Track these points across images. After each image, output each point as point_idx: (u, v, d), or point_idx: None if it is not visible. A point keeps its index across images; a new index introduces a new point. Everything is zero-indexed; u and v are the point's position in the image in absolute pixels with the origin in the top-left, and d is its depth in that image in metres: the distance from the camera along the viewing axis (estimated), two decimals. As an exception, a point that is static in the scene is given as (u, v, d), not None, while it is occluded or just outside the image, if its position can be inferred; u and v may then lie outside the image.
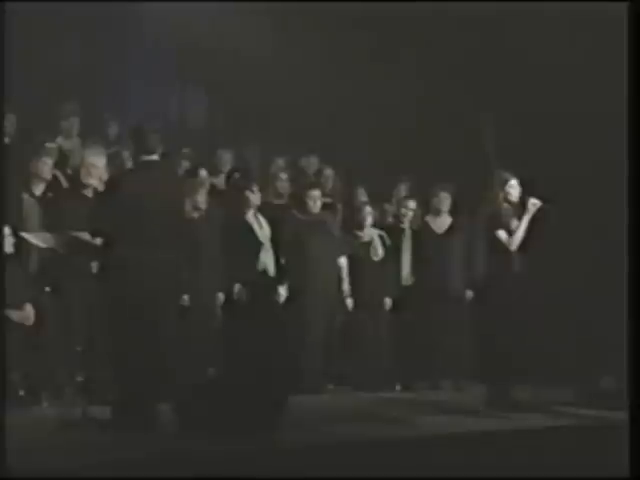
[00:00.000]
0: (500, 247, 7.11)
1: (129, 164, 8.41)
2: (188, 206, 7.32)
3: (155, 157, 5.97)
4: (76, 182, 7.13)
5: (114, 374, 6.08)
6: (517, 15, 9.10)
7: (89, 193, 7.09)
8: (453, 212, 8.64)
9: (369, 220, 8.49)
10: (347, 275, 8.29)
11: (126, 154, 8.53)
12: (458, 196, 8.64)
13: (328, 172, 9.10)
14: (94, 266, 6.77)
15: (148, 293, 5.76)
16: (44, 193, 7.36)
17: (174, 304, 6.07)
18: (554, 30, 8.95)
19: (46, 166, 7.43)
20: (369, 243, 8.47)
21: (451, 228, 8.59)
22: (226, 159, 9.22)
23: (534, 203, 7.08)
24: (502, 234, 7.12)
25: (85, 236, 6.03)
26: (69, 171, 7.93)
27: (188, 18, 10.02)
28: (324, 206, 8.41)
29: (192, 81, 11.16)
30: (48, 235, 6.45)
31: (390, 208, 8.99)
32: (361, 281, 8.29)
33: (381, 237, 8.52)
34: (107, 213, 5.93)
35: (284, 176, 8.73)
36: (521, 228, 7.09)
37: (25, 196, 7.25)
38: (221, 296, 7.84)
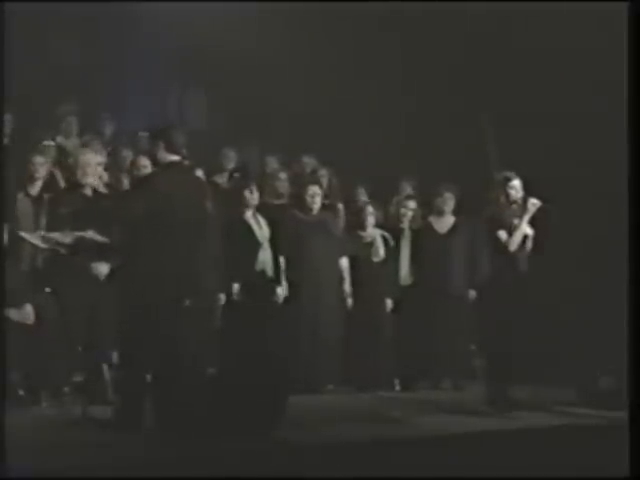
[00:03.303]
0: (501, 247, 7.12)
1: (127, 162, 8.46)
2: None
3: (178, 158, 5.98)
4: (74, 182, 7.10)
5: (114, 373, 6.11)
6: (517, 15, 9.10)
7: (88, 192, 7.07)
8: (456, 212, 8.63)
9: (371, 220, 8.48)
10: (348, 275, 8.28)
11: (127, 153, 8.56)
12: (461, 196, 8.64)
13: (322, 172, 9.09)
14: (101, 266, 6.77)
15: (151, 293, 5.77)
16: (40, 192, 7.33)
17: (175, 304, 6.05)
18: (554, 30, 8.95)
19: (39, 165, 7.39)
20: (371, 244, 8.46)
21: (454, 228, 8.59)
22: (230, 157, 9.24)
23: (534, 203, 7.09)
24: (502, 234, 7.12)
25: (91, 235, 6.04)
26: (71, 168, 7.88)
27: (188, 18, 10.03)
28: (324, 206, 8.40)
29: (192, 81, 11.16)
30: (48, 235, 6.44)
31: (390, 208, 8.98)
32: (362, 281, 8.28)
33: (384, 237, 8.52)
34: (127, 213, 5.95)
35: (283, 176, 8.73)
36: (520, 228, 7.10)
37: (20, 195, 7.24)
38: (221, 296, 7.86)
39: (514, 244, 7.10)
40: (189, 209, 6.00)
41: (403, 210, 8.70)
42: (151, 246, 5.80)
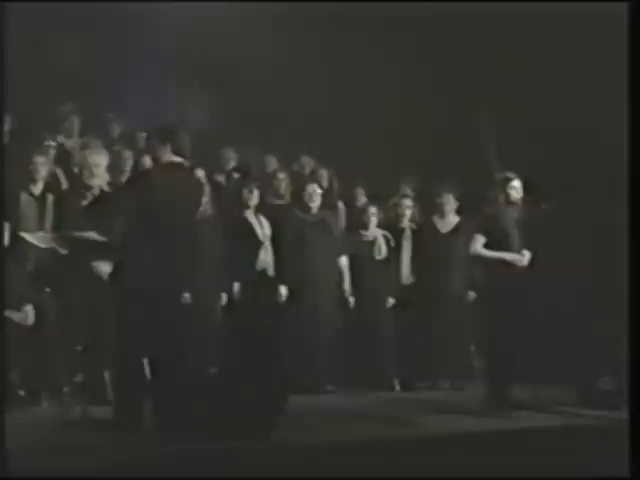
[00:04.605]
0: (501, 247, 7.12)
1: (129, 163, 8.48)
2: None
3: (180, 159, 5.99)
4: (80, 183, 7.10)
5: (114, 373, 6.11)
6: (517, 15, 9.10)
7: (96, 193, 7.07)
8: (459, 212, 8.64)
9: (374, 220, 8.50)
10: (348, 274, 8.30)
11: (127, 154, 8.57)
12: (462, 196, 8.64)
13: (322, 172, 9.12)
14: (103, 266, 6.75)
15: (152, 292, 5.77)
16: (43, 192, 7.33)
17: (175, 303, 6.06)
18: (554, 30, 8.96)
19: (40, 165, 7.39)
20: (373, 242, 8.48)
21: (456, 228, 8.58)
22: (229, 157, 9.26)
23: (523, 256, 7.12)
24: (478, 243, 7.15)
25: (93, 236, 6.05)
26: (76, 170, 7.88)
27: (188, 18, 10.04)
28: (324, 205, 8.41)
29: (192, 81, 11.16)
30: (49, 235, 6.45)
31: (389, 209, 8.98)
32: (364, 280, 8.29)
33: (385, 237, 8.53)
34: (124, 211, 5.95)
35: (283, 176, 8.75)
36: (496, 254, 7.11)
37: (23, 196, 7.24)
38: (222, 295, 7.87)
39: (477, 252, 7.14)
40: (186, 205, 5.99)
41: (400, 209, 8.72)
42: (148, 241, 5.80)
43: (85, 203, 6.86)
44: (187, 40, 10.22)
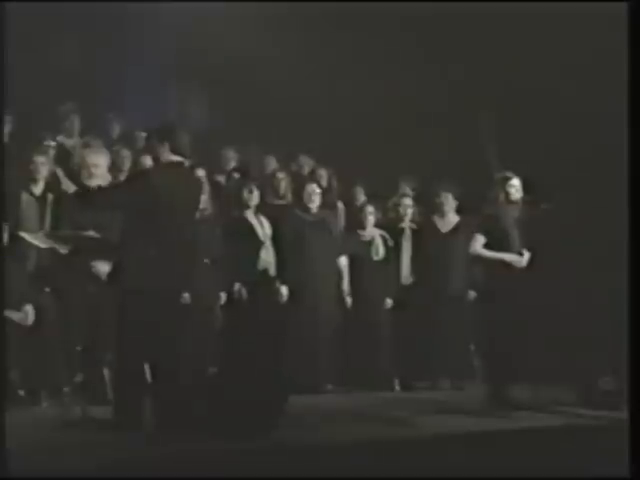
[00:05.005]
0: (501, 247, 7.11)
1: (127, 163, 8.48)
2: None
3: (180, 158, 5.98)
4: (80, 183, 7.09)
5: (114, 373, 6.11)
6: (517, 15, 9.10)
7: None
8: (459, 212, 8.64)
9: (371, 220, 8.51)
10: (347, 274, 8.31)
11: (126, 153, 8.57)
12: (462, 196, 8.64)
13: (322, 171, 9.13)
14: (102, 265, 6.74)
15: (151, 292, 5.76)
16: (44, 192, 7.33)
17: (175, 303, 6.06)
18: (554, 30, 8.95)
19: (41, 165, 7.37)
20: (370, 242, 8.49)
21: (456, 228, 8.59)
22: (229, 157, 9.27)
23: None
24: (478, 243, 7.15)
25: (93, 234, 6.05)
26: (76, 168, 7.86)
27: (188, 18, 10.04)
28: (323, 205, 8.42)
29: (193, 81, 11.16)
30: (49, 235, 6.44)
31: (388, 209, 8.98)
32: (361, 280, 8.30)
33: (383, 237, 8.54)
34: (118, 207, 5.95)
35: (283, 175, 8.75)
36: (496, 255, 7.11)
37: (24, 196, 7.23)
38: (222, 295, 7.87)
39: (477, 252, 7.14)
40: (185, 204, 5.99)
41: (401, 209, 8.72)
42: (147, 240, 5.79)
43: (71, 191, 6.83)
44: (187, 40, 10.22)
